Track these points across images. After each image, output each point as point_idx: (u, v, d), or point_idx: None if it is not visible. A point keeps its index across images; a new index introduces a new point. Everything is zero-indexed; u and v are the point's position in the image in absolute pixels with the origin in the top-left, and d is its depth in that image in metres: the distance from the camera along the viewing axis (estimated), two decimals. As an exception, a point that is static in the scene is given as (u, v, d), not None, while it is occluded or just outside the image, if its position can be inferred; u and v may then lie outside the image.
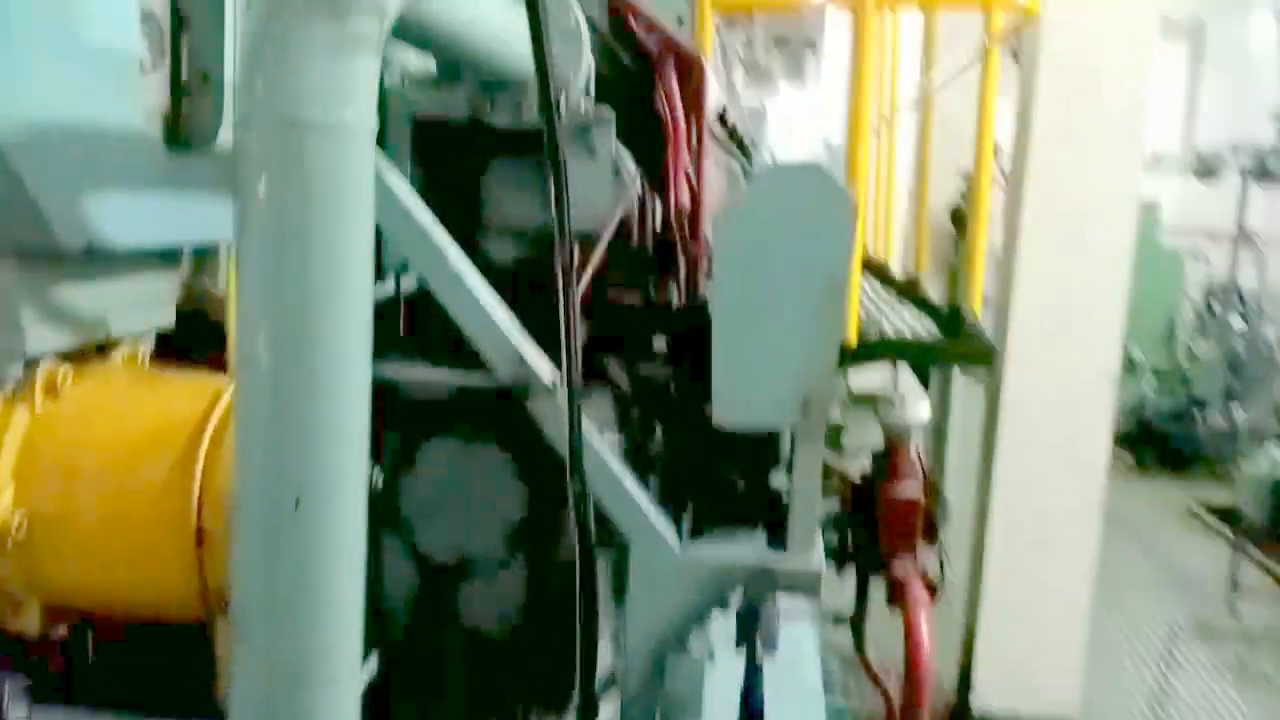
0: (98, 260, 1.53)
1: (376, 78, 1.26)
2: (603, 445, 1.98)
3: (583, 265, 2.18)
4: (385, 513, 2.42)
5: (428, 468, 2.41)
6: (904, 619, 2.01)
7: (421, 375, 2.14)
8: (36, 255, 1.41)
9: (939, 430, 6.26)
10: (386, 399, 2.18)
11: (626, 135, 2.67)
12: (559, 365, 1.91)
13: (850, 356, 2.44)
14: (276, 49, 1.19)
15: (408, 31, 1.48)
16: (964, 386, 4.75)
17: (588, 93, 2.50)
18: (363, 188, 1.25)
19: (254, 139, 1.20)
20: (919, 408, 2.15)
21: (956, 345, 2.47)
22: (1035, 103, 3.56)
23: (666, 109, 2.68)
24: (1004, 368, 3.40)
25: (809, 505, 1.96)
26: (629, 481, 1.98)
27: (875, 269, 4.44)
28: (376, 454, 2.43)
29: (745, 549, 1.99)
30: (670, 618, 1.97)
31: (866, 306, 3.46)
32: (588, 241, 2.41)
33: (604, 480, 1.95)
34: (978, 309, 2.82)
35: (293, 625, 1.23)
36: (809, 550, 1.96)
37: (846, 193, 1.87)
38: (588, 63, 2.44)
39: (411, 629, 2.29)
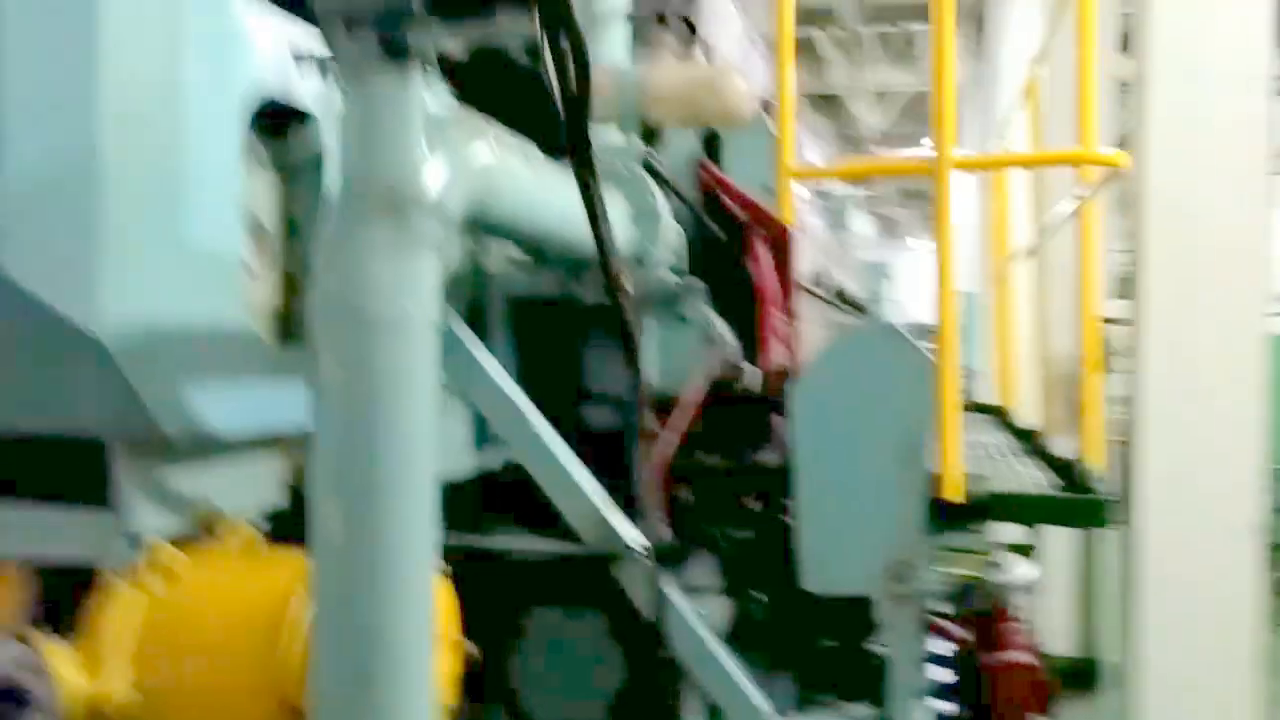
0: (207, 447, 1.66)
1: (437, 273, 1.36)
2: (690, 611, 1.97)
3: (670, 427, 2.22)
4: (494, 682, 2.45)
5: (535, 636, 2.44)
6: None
7: (522, 544, 2.20)
8: (144, 444, 1.54)
9: (1087, 587, 5.94)
10: (493, 568, 2.24)
11: (722, 302, 2.76)
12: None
13: (952, 514, 2.38)
14: (346, 249, 1.31)
15: (478, 222, 1.59)
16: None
17: (678, 263, 2.60)
18: (424, 372, 1.34)
19: (326, 331, 1.30)
20: (1023, 568, 2.08)
21: (1069, 502, 2.38)
22: (1147, 246, 3.50)
23: (757, 274, 2.76)
24: (1135, 522, 3.24)
25: (908, 674, 1.90)
26: (719, 649, 1.96)
27: (1000, 418, 4.35)
28: (483, 623, 2.48)
29: None
30: (766, 791, 1.91)
31: (981, 459, 3.39)
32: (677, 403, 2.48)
33: (692, 648, 1.94)
34: (1100, 461, 2.72)
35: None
36: (906, 721, 1.89)
37: (921, 353, 1.88)
38: (672, 235, 2.55)
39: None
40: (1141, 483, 3.23)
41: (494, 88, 2.12)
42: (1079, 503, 2.35)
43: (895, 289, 11.38)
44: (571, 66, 1.33)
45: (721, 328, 2.73)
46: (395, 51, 1.30)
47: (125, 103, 1.47)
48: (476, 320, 2.40)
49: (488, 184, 1.57)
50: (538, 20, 1.29)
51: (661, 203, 2.30)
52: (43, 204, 1.43)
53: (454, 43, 1.35)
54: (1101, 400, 2.81)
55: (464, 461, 2.31)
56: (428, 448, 1.34)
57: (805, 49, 14.75)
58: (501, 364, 2.45)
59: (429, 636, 1.34)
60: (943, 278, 2.43)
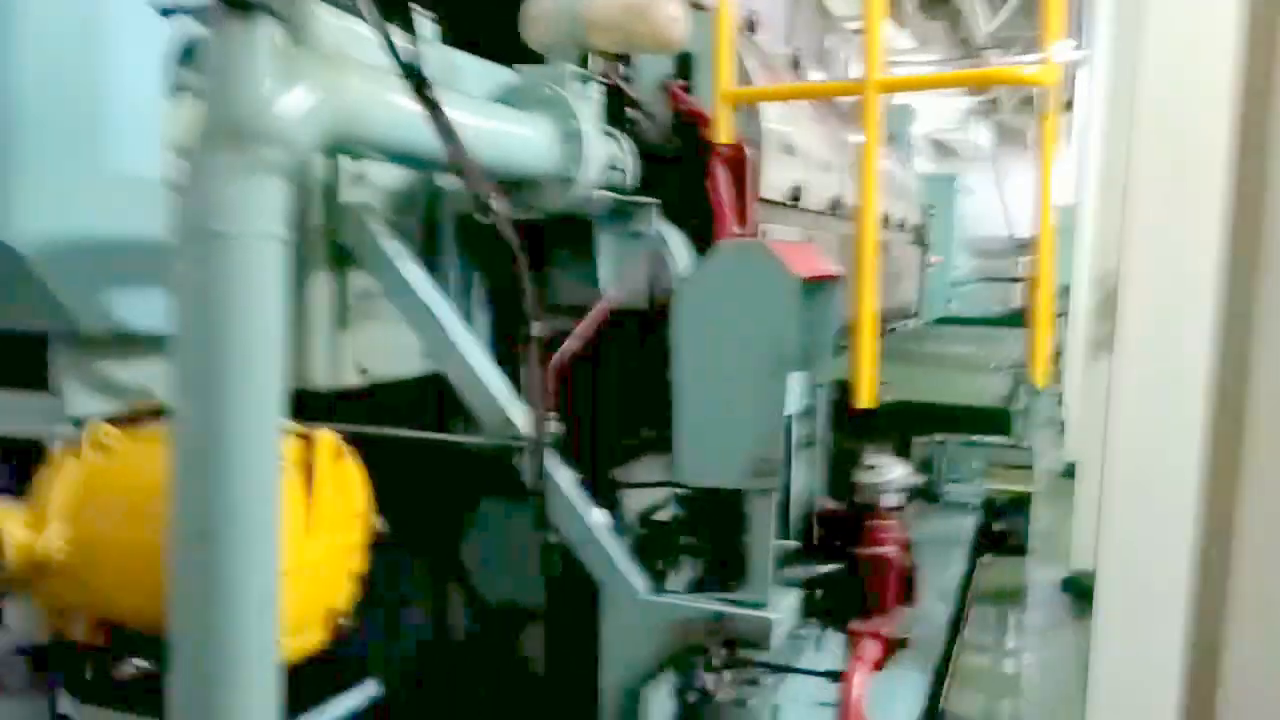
0: (142, 343, 1.93)
1: (283, 196, 1.57)
2: (579, 496, 2.18)
3: (577, 333, 2.41)
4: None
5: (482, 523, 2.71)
6: (842, 676, 2.08)
7: (443, 437, 2.43)
8: (78, 339, 1.81)
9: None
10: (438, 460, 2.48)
11: (685, 217, 2.91)
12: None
13: (863, 419, 2.53)
14: (200, 172, 1.53)
15: (347, 147, 1.79)
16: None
17: (631, 181, 2.74)
18: (270, 283, 1.56)
19: (183, 243, 1.54)
20: (900, 470, 2.24)
21: (969, 410, 2.49)
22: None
23: (713, 191, 2.89)
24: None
25: (763, 559, 2.09)
26: (601, 532, 2.18)
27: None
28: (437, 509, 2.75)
29: (706, 599, 2.14)
30: (641, 657, 2.14)
31: (954, 371, 3.50)
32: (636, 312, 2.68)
33: (578, 529, 2.16)
34: (1043, 379, 2.81)
35: (207, 634, 1.53)
36: (764, 602, 2.08)
37: (789, 274, 2.02)
38: (624, 154, 2.68)
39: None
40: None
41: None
42: (984, 411, 2.48)
43: (970, 201, 11.17)
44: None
45: (676, 242, 2.89)
46: (237, 4, 1.49)
47: (45, 39, 1.71)
48: (430, 237, 2.62)
49: (358, 113, 1.76)
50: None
51: (590, 124, 2.45)
52: (-26, 132, 1.69)
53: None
54: (1048, 317, 2.87)
55: (411, 363, 2.53)
56: (270, 346, 1.57)
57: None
58: (455, 276, 2.68)
59: (271, 501, 1.59)
60: (866, 199, 2.54)
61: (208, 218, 1.52)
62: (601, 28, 2.52)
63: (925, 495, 6.30)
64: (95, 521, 1.89)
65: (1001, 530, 6.09)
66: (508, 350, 2.39)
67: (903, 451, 3.15)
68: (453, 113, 2.08)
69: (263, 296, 1.55)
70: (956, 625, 4.97)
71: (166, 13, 1.57)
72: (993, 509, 6.41)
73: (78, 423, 1.90)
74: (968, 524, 6.04)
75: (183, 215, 1.55)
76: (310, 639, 1.99)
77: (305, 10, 1.53)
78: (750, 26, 3.43)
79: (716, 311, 2.06)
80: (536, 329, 2.00)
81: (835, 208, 4.07)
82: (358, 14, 1.70)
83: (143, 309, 1.87)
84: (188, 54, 1.95)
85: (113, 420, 1.96)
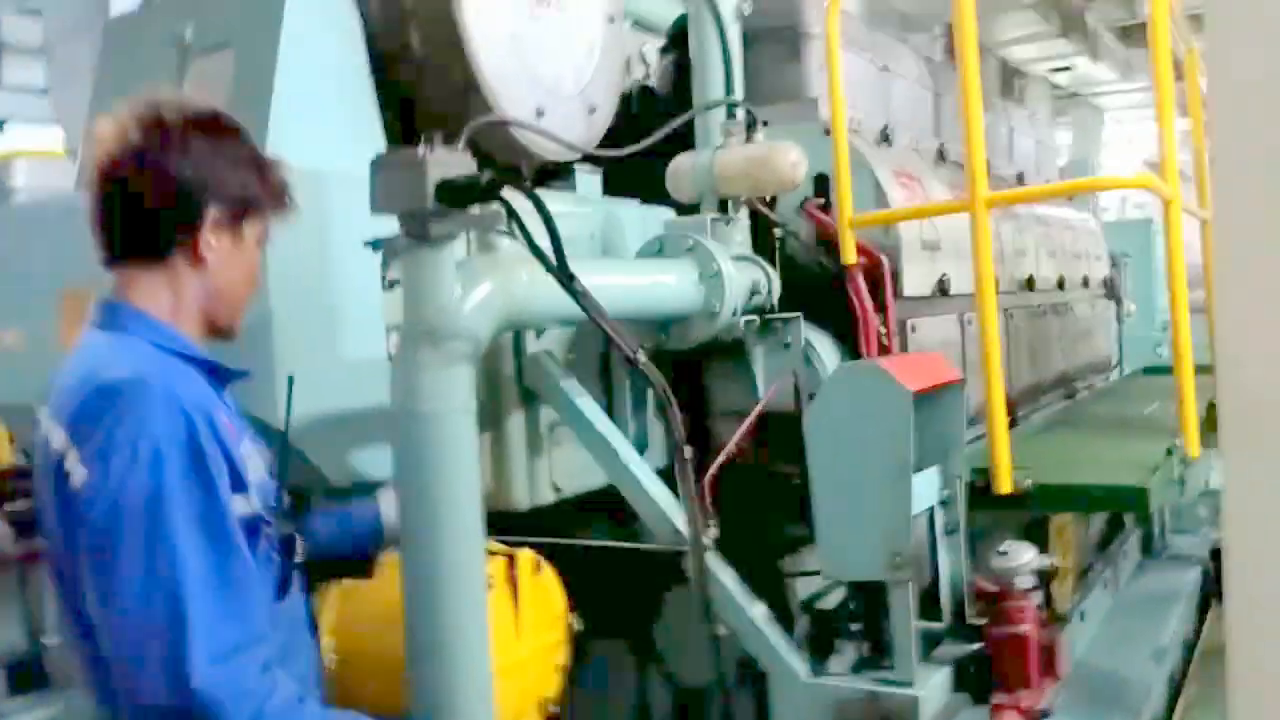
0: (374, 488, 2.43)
1: (470, 376, 2.01)
2: (740, 591, 2.51)
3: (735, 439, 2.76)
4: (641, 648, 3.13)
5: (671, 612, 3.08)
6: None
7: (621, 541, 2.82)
8: (321, 490, 2.33)
9: None
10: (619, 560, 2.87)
11: (832, 324, 3.23)
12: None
13: (1000, 503, 2.74)
14: (405, 363, 2.00)
15: (519, 324, 2.24)
16: None
17: (768, 300, 3.08)
18: (464, 446, 2.00)
19: (397, 418, 2.01)
20: (1030, 554, 2.45)
21: (1109, 490, 2.65)
22: None
23: (856, 298, 3.20)
24: None
25: (905, 641, 2.35)
26: (763, 621, 2.49)
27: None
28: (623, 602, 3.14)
29: (860, 679, 2.41)
30: (805, 736, 2.43)
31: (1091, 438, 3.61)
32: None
33: (741, 621, 2.49)
34: (1194, 449, 2.93)
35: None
36: (910, 681, 2.34)
37: (901, 388, 2.30)
38: (766, 278, 3.04)
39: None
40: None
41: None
42: (1119, 490, 2.65)
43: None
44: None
45: (823, 346, 3.21)
46: (421, 235, 1.97)
47: (289, 262, 2.25)
48: (604, 368, 3.04)
49: (527, 302, 2.20)
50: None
51: (728, 263, 2.82)
52: (248, 343, 2.23)
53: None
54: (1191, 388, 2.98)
55: (597, 477, 2.94)
56: (469, 494, 2.00)
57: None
58: (631, 400, 3.09)
59: (481, 616, 2.01)
60: (985, 304, 2.78)
61: (413, 400, 1.99)
62: (732, 178, 2.91)
63: (1144, 549, 6.19)
64: (356, 636, 2.38)
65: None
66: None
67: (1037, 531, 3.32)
68: (608, 276, 2.52)
69: (459, 457, 2.00)
70: (1178, 685, 4.89)
71: (374, 245, 2.05)
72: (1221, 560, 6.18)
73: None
74: (1190, 578, 5.89)
75: (394, 398, 2.02)
76: (527, 724, 2.41)
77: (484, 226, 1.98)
78: (885, 137, 3.73)
79: (840, 426, 2.36)
80: (686, 453, 2.38)
81: (1029, 284, 4.30)
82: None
83: (375, 462, 2.36)
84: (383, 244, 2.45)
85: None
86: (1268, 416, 1.38)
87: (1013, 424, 4.05)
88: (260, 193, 1.89)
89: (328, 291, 2.34)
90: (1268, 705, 1.49)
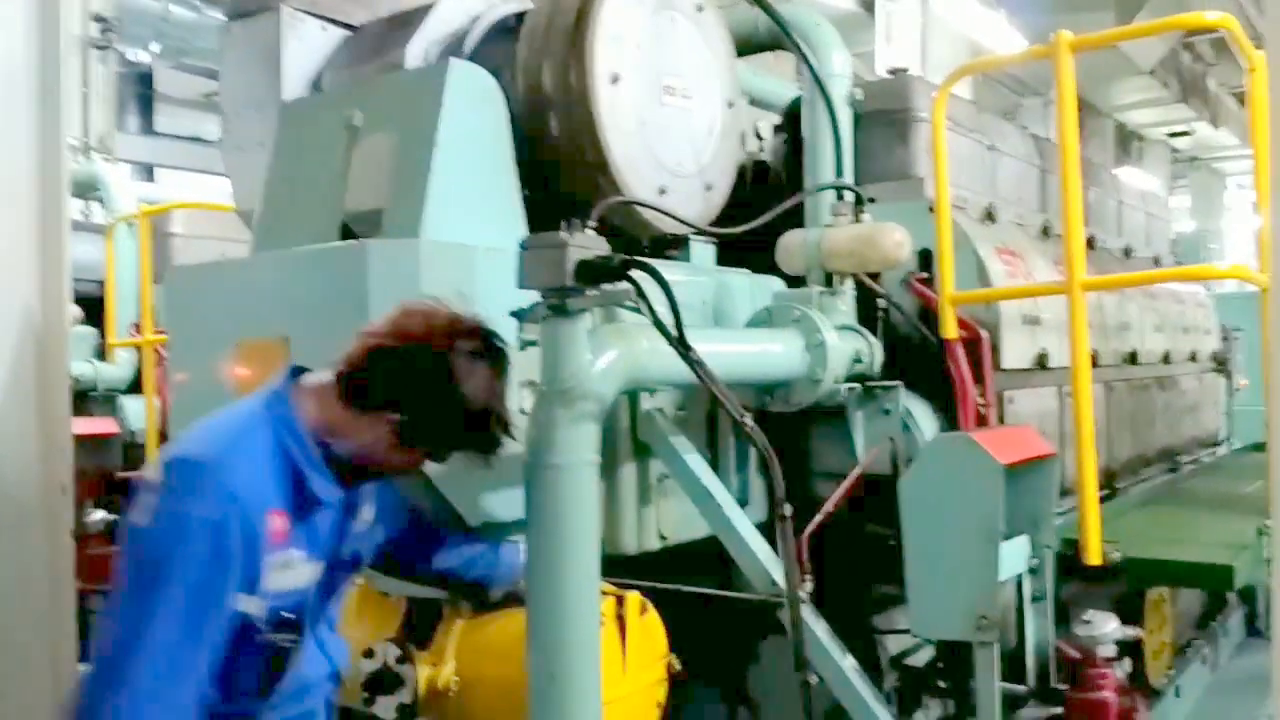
0: (504, 526, 2.68)
1: (597, 433, 2.25)
2: (833, 644, 2.68)
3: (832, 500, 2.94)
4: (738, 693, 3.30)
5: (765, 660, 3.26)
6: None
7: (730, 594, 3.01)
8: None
9: None
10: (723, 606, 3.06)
11: (939, 390, 3.39)
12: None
13: (1092, 575, 2.85)
14: (540, 420, 2.25)
15: (639, 386, 2.47)
16: None
17: (871, 368, 3.27)
18: (587, 495, 2.24)
19: (530, 470, 2.25)
20: (1112, 624, 2.57)
21: (1193, 567, 2.73)
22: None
23: (955, 368, 3.36)
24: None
25: (988, 700, 2.49)
26: (853, 672, 2.65)
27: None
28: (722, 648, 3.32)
29: (946, 738, 2.56)
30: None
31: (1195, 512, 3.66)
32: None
33: (833, 671, 2.65)
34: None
35: None
36: (994, 741, 2.48)
37: (993, 461, 2.47)
38: (847, 356, 3.21)
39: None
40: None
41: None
42: (1202, 568, 2.74)
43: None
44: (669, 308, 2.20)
45: (921, 414, 3.38)
46: (561, 310, 2.22)
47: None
48: (711, 426, 3.26)
49: (646, 367, 2.44)
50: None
51: (832, 334, 3.02)
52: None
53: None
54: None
55: (701, 528, 3.15)
56: (589, 539, 2.24)
57: None
58: (735, 457, 3.29)
59: (595, 648, 2.23)
60: (1080, 381, 2.92)
61: (546, 453, 2.24)
62: (838, 255, 3.12)
63: (1247, 628, 6.09)
64: (476, 663, 2.62)
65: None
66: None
67: (1134, 602, 3.39)
68: (721, 344, 2.75)
69: (583, 504, 2.24)
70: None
71: (519, 315, 2.31)
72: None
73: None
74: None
75: (529, 449, 2.27)
76: (628, 754, 2.61)
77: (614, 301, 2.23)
78: (989, 214, 3.89)
79: (934, 493, 2.53)
80: (786, 510, 2.57)
81: (1132, 358, 4.40)
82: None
83: (505, 503, 2.61)
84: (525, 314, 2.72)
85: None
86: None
87: (1111, 496, 4.14)
88: (455, 436, 2.06)
89: (469, 350, 2.61)
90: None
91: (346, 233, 2.88)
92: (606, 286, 2.23)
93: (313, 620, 2.06)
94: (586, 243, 2.20)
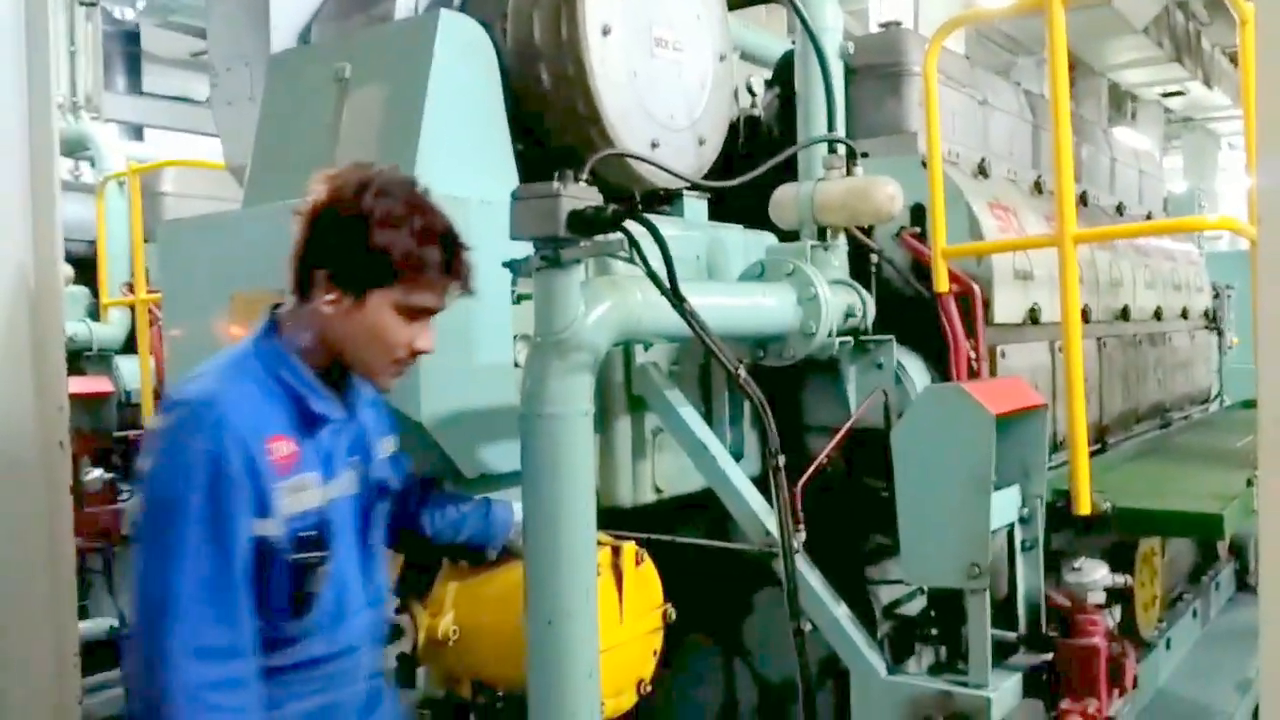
0: (498, 478, 2.70)
1: (592, 384, 2.27)
2: (826, 593, 2.71)
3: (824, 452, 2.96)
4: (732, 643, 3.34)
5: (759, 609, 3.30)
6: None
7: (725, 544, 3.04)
8: (454, 479, 2.60)
9: None
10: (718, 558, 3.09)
11: (931, 344, 3.40)
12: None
13: (1084, 524, 2.88)
14: (533, 371, 2.26)
15: (633, 338, 2.48)
16: None
17: (862, 323, 3.28)
18: (582, 445, 2.25)
19: (524, 420, 2.27)
20: (1098, 572, 2.60)
21: (1182, 516, 2.76)
22: None
23: (948, 323, 3.37)
24: None
25: (980, 646, 2.52)
26: (846, 620, 2.69)
27: None
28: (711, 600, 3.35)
29: (936, 680, 2.59)
30: (882, 729, 2.62)
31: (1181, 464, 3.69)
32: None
33: (827, 620, 2.69)
34: None
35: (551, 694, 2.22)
36: (982, 683, 2.51)
37: (984, 411, 2.48)
38: (840, 310, 3.21)
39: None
40: None
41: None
42: (1191, 517, 2.78)
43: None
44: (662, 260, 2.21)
45: (914, 368, 3.39)
46: (554, 261, 2.23)
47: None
48: (705, 377, 3.27)
49: (640, 318, 2.44)
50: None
51: (825, 287, 3.02)
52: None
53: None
54: None
55: (696, 481, 3.17)
56: (584, 488, 2.26)
57: None
58: (729, 410, 3.31)
59: (592, 597, 2.26)
60: (1071, 334, 2.93)
61: (540, 404, 2.25)
62: (830, 208, 3.12)
63: (1238, 583, 6.16)
64: (475, 613, 2.65)
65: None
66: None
67: (1125, 554, 3.43)
68: (714, 297, 2.76)
69: (578, 455, 2.25)
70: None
71: (512, 266, 2.32)
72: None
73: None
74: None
75: (523, 400, 2.29)
76: (624, 701, 2.64)
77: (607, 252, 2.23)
78: (982, 169, 3.88)
79: (925, 443, 2.55)
80: (779, 460, 2.58)
81: (1124, 314, 4.42)
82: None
83: (501, 456, 2.63)
84: (519, 265, 2.72)
85: (480, 537, 2.73)
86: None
87: (1102, 451, 4.17)
88: (400, 269, 1.99)
89: (463, 303, 2.61)
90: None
91: (338, 186, 2.87)
92: (599, 237, 2.23)
93: (342, 540, 2.07)
94: (579, 193, 2.20)
